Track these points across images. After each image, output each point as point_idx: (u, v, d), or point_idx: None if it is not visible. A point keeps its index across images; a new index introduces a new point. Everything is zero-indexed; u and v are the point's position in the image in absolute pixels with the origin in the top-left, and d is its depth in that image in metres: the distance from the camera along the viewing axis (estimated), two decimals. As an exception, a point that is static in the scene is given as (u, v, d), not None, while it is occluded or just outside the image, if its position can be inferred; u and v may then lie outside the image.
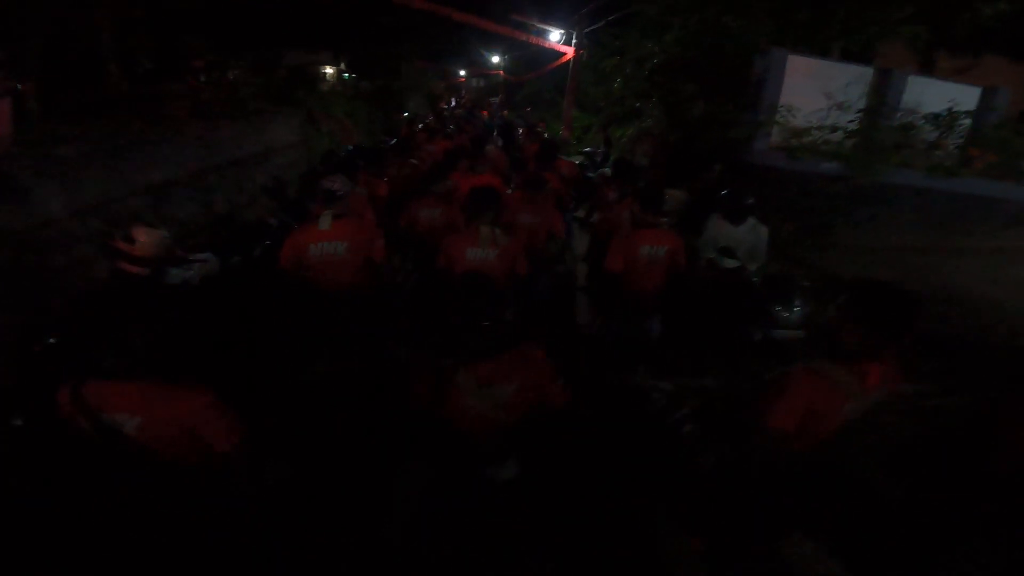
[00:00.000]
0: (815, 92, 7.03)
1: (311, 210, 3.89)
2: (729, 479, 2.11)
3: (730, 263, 4.32)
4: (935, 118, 7.22)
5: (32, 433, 2.14)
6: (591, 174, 7.85)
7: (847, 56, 7.87)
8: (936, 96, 7.37)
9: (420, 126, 10.64)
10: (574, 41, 11.80)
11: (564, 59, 12.68)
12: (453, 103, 23.52)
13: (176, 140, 6.39)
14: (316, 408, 3.07)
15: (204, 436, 1.67)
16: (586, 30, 11.57)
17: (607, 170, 7.10)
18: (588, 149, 8.91)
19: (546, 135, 10.27)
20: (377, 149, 6.67)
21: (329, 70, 25.47)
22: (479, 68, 33.00)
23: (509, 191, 4.79)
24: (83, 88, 8.95)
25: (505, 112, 19.41)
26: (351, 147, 8.88)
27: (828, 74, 7.13)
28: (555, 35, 12.28)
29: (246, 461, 1.75)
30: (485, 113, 19.06)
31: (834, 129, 6.96)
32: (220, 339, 3.25)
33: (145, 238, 3.51)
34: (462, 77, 34.95)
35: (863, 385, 1.79)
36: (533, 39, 12.18)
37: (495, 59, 30.62)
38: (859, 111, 7.09)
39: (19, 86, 7.05)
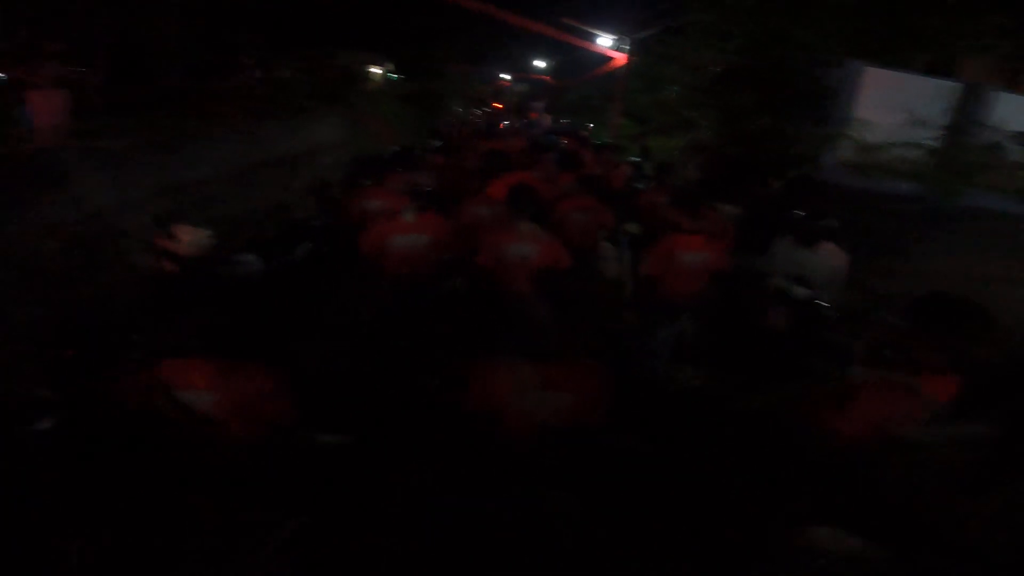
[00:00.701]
0: (892, 106, 6.48)
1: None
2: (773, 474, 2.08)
3: (802, 293, 3.93)
4: (1024, 137, 6.60)
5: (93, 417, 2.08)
6: (640, 185, 7.48)
7: (930, 69, 7.28)
8: (1025, 114, 6.73)
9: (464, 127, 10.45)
10: (625, 47, 11.42)
11: (612, 65, 12.31)
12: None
13: (225, 136, 6.31)
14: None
15: (271, 411, 1.76)
16: (638, 36, 11.18)
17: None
18: (636, 159, 8.52)
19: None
20: (418, 152, 6.46)
21: (376, 70, 25.65)
22: (523, 72, 32.73)
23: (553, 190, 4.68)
24: (145, 81, 9.04)
25: (549, 117, 19.08)
26: (396, 148, 8.72)
27: (908, 88, 6.57)
28: (606, 40, 11.90)
29: (305, 435, 1.85)
30: (534, 116, 18.76)
31: (912, 146, 6.41)
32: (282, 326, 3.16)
33: (189, 237, 3.40)
34: (505, 80, 34.75)
35: (933, 396, 1.74)
36: (582, 43, 11.80)
37: (539, 63, 30.29)
38: (942, 128, 6.52)
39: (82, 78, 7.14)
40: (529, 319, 1.91)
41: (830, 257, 3.91)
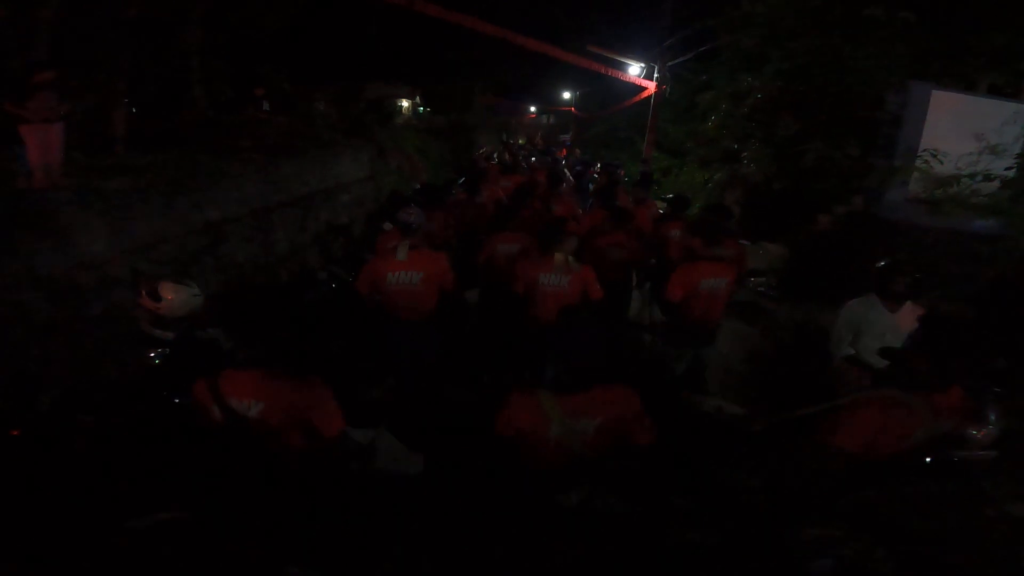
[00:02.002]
0: (962, 134, 5.75)
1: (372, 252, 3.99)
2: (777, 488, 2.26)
3: (878, 359, 3.22)
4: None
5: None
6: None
7: (994, 91, 6.53)
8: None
9: (493, 161, 10.00)
10: (655, 75, 10.89)
11: (643, 95, 11.79)
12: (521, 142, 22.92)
13: (240, 175, 5.89)
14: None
15: (314, 421, 1.82)
16: (670, 63, 10.64)
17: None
18: (671, 196, 7.87)
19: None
20: (441, 187, 6.00)
21: (405, 103, 25.82)
22: (549, 104, 32.63)
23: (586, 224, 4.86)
24: (170, 114, 8.86)
25: (577, 151, 18.58)
26: (418, 185, 8.30)
27: (978, 112, 5.84)
28: (634, 69, 11.40)
29: (345, 447, 1.97)
30: (563, 152, 18.34)
31: (986, 177, 5.64)
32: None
33: (173, 295, 2.90)
34: (532, 113, 34.71)
35: (934, 413, 1.83)
36: (611, 71, 11.28)
37: (566, 95, 30.10)
38: (1016, 156, 5.75)
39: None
40: (558, 348, 1.97)
41: (912, 316, 3.23)
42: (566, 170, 10.22)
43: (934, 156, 5.51)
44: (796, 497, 2.12)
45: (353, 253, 5.98)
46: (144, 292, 2.90)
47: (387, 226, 6.14)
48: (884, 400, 1.86)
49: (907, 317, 3.20)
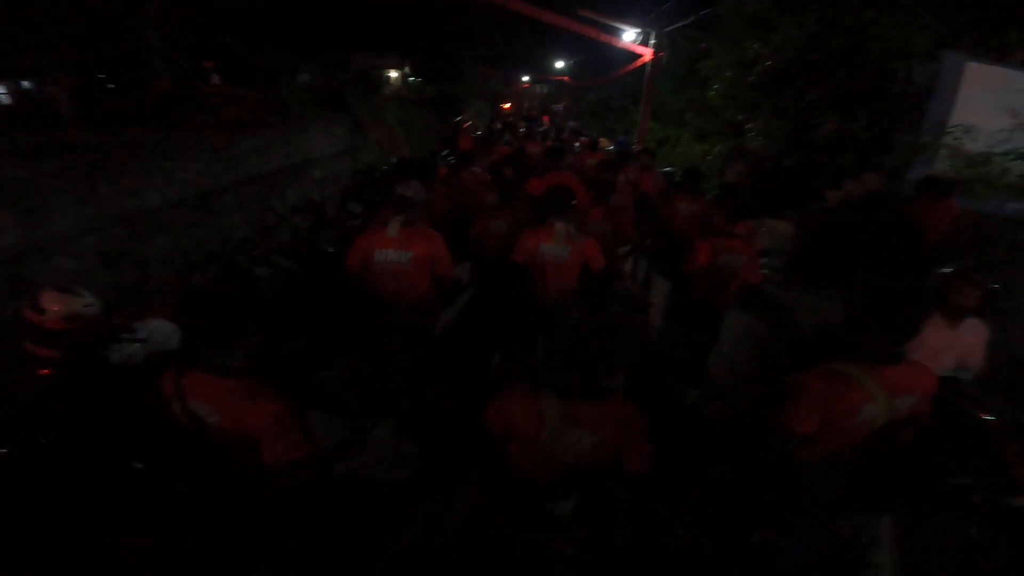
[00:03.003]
0: (994, 109, 5.04)
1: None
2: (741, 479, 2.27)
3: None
4: None
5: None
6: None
7: None
8: None
9: (478, 133, 9.22)
10: (652, 41, 10.00)
11: (639, 63, 10.91)
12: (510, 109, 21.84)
13: (184, 153, 5.14)
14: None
15: (267, 444, 1.62)
16: (667, 29, 9.75)
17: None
18: (669, 169, 7.16)
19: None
20: (419, 161, 5.38)
21: (394, 74, 24.69)
22: (543, 74, 31.34)
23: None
24: (127, 90, 7.99)
25: (558, 119, 17.62)
26: (395, 159, 7.56)
27: (1012, 86, 5.10)
28: (630, 35, 10.49)
29: (290, 480, 1.67)
30: (546, 119, 17.37)
31: (1020, 156, 4.95)
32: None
33: (59, 307, 2.30)
34: (526, 83, 33.40)
35: (884, 387, 1.73)
36: (605, 37, 10.34)
37: (559, 64, 28.85)
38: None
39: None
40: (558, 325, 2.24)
41: (973, 331, 2.61)
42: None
43: (966, 133, 4.81)
44: (767, 490, 2.06)
45: (316, 238, 5.31)
46: (29, 303, 2.33)
47: (354, 207, 5.42)
48: (824, 374, 1.78)
49: (967, 336, 2.59)
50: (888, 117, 5.16)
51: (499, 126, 10.33)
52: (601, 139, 9.84)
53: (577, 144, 8.85)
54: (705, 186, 5.16)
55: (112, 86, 8.04)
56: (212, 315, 1.63)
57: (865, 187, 5.48)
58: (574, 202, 3.36)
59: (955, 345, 2.58)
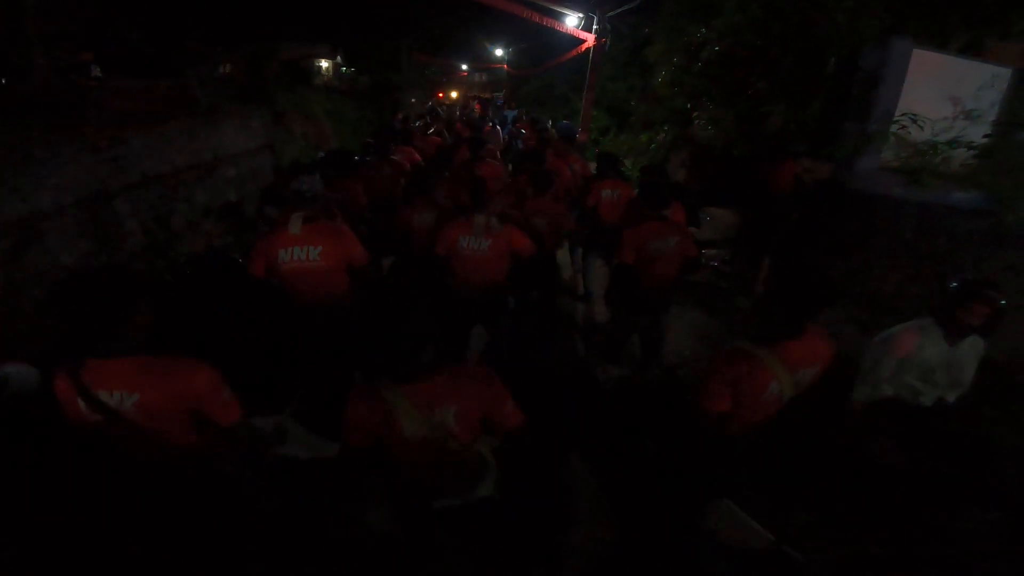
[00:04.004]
0: (937, 97, 4.93)
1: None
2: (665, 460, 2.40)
3: (926, 397, 2.47)
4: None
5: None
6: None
7: (965, 51, 5.72)
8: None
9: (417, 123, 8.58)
10: (594, 27, 9.63)
11: (581, 48, 10.52)
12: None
13: (57, 156, 4.30)
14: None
15: (207, 411, 1.58)
16: (610, 14, 9.39)
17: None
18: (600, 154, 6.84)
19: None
20: (349, 154, 4.89)
21: (324, 63, 23.34)
22: (481, 62, 30.57)
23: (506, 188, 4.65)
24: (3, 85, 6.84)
25: (509, 106, 17.02)
26: (322, 153, 6.85)
27: (953, 74, 5.01)
28: (571, 19, 10.07)
29: (248, 436, 1.71)
30: (478, 107, 16.73)
31: (964, 146, 4.87)
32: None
33: None
34: (464, 71, 32.54)
35: (786, 364, 1.79)
36: (548, 21, 9.84)
37: (498, 52, 28.15)
38: (993, 122, 5.02)
39: None
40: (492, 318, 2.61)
41: (972, 346, 2.36)
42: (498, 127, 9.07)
43: (914, 121, 4.66)
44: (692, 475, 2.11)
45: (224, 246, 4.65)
46: None
47: (270, 210, 4.85)
48: (730, 355, 1.83)
49: (966, 353, 2.32)
50: (836, 105, 4.98)
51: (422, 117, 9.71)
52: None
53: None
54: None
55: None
56: (91, 301, 1.44)
57: (813, 176, 5.32)
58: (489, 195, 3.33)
59: (952, 364, 2.32)
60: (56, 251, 4.19)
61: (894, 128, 4.77)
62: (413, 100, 19.34)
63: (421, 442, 1.57)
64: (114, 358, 1.50)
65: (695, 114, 6.58)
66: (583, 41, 10.18)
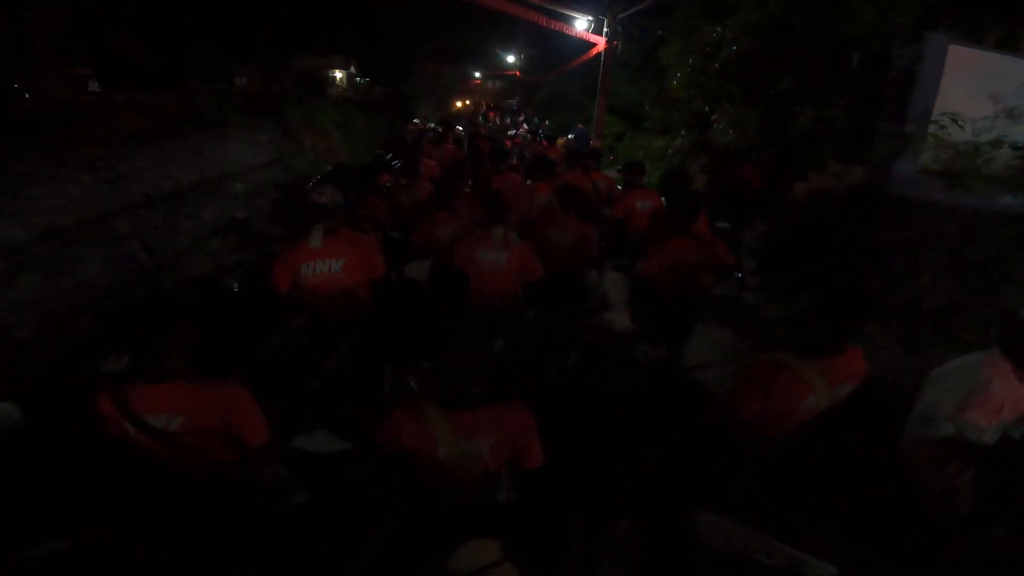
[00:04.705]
0: (976, 95, 4.55)
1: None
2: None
3: (990, 435, 2.17)
4: None
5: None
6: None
7: (1001, 45, 5.30)
8: None
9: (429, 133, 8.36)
10: (605, 30, 9.34)
11: (592, 53, 10.25)
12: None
13: (54, 176, 4.15)
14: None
15: (237, 429, 1.65)
16: (621, 16, 9.09)
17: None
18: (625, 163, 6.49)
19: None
20: (357, 168, 4.92)
21: (339, 74, 23.41)
22: (494, 69, 30.44)
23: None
24: (10, 101, 6.77)
25: (525, 113, 16.77)
26: (329, 167, 6.68)
27: (992, 70, 4.62)
28: (581, 23, 9.79)
29: (273, 456, 1.78)
30: (492, 116, 16.52)
31: (1008, 145, 4.47)
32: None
33: None
34: (477, 79, 32.45)
35: (826, 379, 1.76)
36: (557, 25, 9.58)
37: (510, 59, 27.99)
38: (1037, 122, 4.61)
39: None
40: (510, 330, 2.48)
41: None
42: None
43: (954, 120, 4.28)
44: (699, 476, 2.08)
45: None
46: None
47: (271, 229, 4.67)
48: (770, 364, 1.79)
49: None
50: (867, 105, 4.62)
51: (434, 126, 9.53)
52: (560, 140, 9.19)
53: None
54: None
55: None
56: (134, 329, 1.53)
57: (845, 181, 4.96)
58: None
59: (1021, 399, 2.00)
60: (54, 276, 4.02)
61: (933, 128, 4.40)
62: (421, 117, 19.22)
63: (451, 464, 1.61)
64: (158, 383, 1.57)
65: (714, 117, 6.23)
66: (593, 45, 9.91)
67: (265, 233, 5.64)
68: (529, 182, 5.35)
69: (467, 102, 31.27)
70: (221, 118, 6.74)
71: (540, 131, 10.78)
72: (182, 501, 1.68)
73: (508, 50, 27.05)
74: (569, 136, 9.60)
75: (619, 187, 5.48)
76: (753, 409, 1.79)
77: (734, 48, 5.72)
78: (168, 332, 1.56)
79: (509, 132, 9.19)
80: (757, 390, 1.79)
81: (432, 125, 9.94)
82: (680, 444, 2.37)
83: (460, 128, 9.95)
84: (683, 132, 7.08)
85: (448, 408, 1.60)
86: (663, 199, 4.56)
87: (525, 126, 10.98)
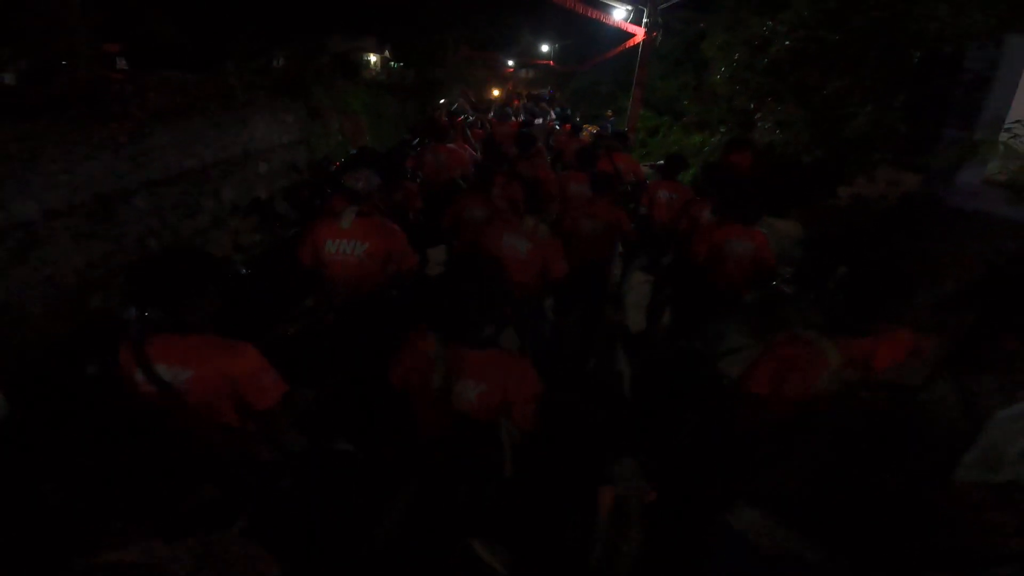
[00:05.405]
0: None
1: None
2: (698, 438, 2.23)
3: None
4: None
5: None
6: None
7: None
8: None
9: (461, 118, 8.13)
10: (645, 20, 8.93)
11: (629, 44, 9.85)
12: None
13: (71, 152, 4.03)
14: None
15: (246, 392, 1.61)
16: (662, 6, 8.67)
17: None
18: (661, 161, 6.14)
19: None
20: (383, 153, 4.88)
21: (373, 58, 23.29)
22: (527, 58, 29.93)
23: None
24: (51, 77, 6.74)
25: (560, 103, 16.33)
26: (354, 150, 6.50)
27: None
28: (620, 12, 9.38)
29: (280, 423, 1.73)
30: (516, 103, 16.14)
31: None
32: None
33: None
34: (510, 67, 32.01)
35: (845, 359, 1.68)
36: (593, 13, 9.19)
37: (544, 48, 27.48)
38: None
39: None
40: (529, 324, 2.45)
41: None
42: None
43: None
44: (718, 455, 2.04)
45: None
46: None
47: (286, 210, 4.57)
48: (793, 339, 1.75)
49: None
50: (931, 108, 4.21)
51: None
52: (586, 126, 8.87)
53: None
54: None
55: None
56: (161, 283, 1.53)
57: (898, 188, 4.57)
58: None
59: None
60: (68, 252, 3.93)
61: (1004, 137, 3.99)
62: (456, 102, 18.99)
63: (441, 400, 1.59)
64: (176, 334, 1.56)
65: (758, 115, 5.85)
66: (631, 36, 9.50)
67: (284, 216, 5.50)
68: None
69: (495, 92, 30.93)
70: (249, 97, 6.60)
71: (566, 119, 10.45)
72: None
73: (542, 39, 26.56)
74: (594, 128, 9.28)
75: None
76: (771, 383, 1.73)
77: (787, 43, 5.30)
78: (190, 280, 1.55)
79: (536, 121, 8.87)
80: (775, 360, 1.73)
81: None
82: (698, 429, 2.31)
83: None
84: (723, 129, 6.69)
85: (453, 344, 1.59)
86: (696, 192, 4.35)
87: (553, 115, 10.62)
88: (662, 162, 6.73)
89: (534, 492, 1.97)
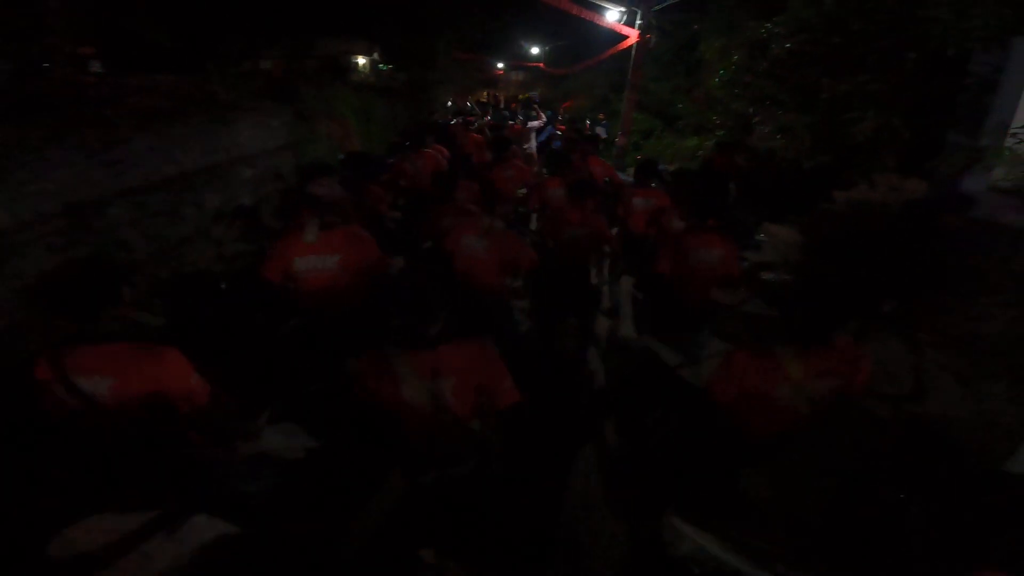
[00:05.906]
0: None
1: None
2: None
3: None
4: None
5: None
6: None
7: None
8: None
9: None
10: (638, 22, 8.80)
11: (622, 46, 9.72)
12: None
13: (43, 159, 3.82)
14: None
15: (172, 395, 1.60)
16: (656, 8, 8.54)
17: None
18: (663, 167, 5.99)
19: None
20: (372, 156, 4.95)
21: (362, 60, 23.05)
22: (518, 60, 29.82)
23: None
24: (33, 78, 6.48)
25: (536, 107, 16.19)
26: (342, 155, 6.33)
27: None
28: (613, 13, 9.23)
29: (212, 424, 1.71)
30: (514, 106, 15.99)
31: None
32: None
33: None
34: (500, 70, 31.87)
35: (804, 369, 1.70)
36: (586, 14, 9.04)
37: (535, 50, 27.37)
38: None
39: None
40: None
41: None
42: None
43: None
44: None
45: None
46: None
47: (269, 221, 4.45)
48: (751, 348, 1.77)
49: None
50: (934, 113, 4.11)
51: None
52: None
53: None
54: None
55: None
56: (71, 291, 1.51)
57: (900, 194, 4.46)
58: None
59: None
60: (40, 263, 3.71)
61: (1010, 142, 3.89)
62: (449, 102, 18.84)
63: (420, 409, 1.57)
64: (92, 344, 1.53)
65: (756, 119, 5.73)
66: (624, 38, 9.37)
67: (268, 225, 5.32)
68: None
69: (486, 93, 30.77)
70: (233, 101, 6.39)
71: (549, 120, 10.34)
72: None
73: (533, 41, 26.43)
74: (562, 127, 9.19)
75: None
76: (731, 392, 1.76)
77: (786, 47, 5.18)
78: (102, 288, 1.54)
79: (530, 124, 8.73)
80: (736, 369, 1.75)
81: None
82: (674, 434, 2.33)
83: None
84: (720, 133, 6.57)
85: (407, 348, 1.57)
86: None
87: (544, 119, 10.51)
88: (663, 167, 6.63)
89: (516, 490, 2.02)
